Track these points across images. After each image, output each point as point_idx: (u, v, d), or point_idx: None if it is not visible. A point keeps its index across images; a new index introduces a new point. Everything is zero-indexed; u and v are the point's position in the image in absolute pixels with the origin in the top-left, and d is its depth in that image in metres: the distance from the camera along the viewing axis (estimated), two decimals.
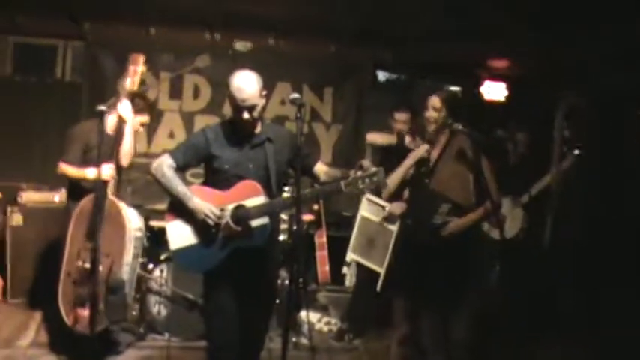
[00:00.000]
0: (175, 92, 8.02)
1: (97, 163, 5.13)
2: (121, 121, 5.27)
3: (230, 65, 7.90)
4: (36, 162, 7.61)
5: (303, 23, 7.68)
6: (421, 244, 4.81)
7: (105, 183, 5.12)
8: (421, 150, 4.93)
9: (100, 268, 4.91)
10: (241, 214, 4.27)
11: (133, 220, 5.26)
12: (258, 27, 7.82)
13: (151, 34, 7.83)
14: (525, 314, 6.07)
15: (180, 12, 7.44)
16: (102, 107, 5.00)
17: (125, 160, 5.46)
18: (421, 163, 4.93)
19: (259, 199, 4.27)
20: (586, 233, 6.61)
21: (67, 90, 7.82)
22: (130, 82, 5.25)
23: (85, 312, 5.05)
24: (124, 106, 5.26)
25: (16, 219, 6.88)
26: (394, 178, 4.99)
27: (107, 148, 5.19)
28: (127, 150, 5.43)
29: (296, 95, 4.19)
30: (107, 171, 5.12)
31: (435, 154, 4.90)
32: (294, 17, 7.57)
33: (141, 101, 5.69)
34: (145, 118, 5.83)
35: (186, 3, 7.31)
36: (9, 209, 6.87)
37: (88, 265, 4.98)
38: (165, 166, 4.37)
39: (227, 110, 7.76)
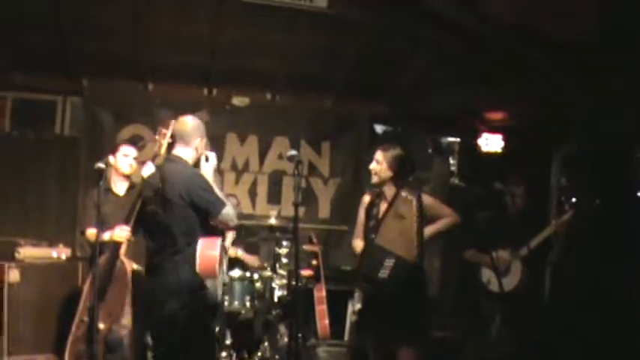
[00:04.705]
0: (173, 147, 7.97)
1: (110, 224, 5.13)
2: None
3: (228, 120, 8.00)
4: (33, 217, 7.57)
5: (300, 78, 7.76)
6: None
7: (117, 244, 5.08)
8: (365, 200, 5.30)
9: (102, 326, 4.85)
10: None
11: None
12: (256, 82, 7.90)
13: (149, 90, 7.89)
14: None
15: (177, 67, 7.52)
16: (100, 165, 4.90)
17: None
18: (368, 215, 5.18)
19: None
20: (591, 285, 6.53)
21: (65, 145, 7.77)
22: (158, 145, 5.16)
23: None
24: (148, 170, 5.07)
25: (13, 275, 6.79)
26: None
27: (121, 209, 5.17)
28: None
29: (294, 152, 4.17)
30: (120, 233, 5.06)
31: (382, 209, 5.06)
32: (290, 72, 7.65)
33: None
34: None
35: (183, 58, 7.39)
36: (6, 265, 6.74)
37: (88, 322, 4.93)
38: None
39: (225, 163, 7.83)
